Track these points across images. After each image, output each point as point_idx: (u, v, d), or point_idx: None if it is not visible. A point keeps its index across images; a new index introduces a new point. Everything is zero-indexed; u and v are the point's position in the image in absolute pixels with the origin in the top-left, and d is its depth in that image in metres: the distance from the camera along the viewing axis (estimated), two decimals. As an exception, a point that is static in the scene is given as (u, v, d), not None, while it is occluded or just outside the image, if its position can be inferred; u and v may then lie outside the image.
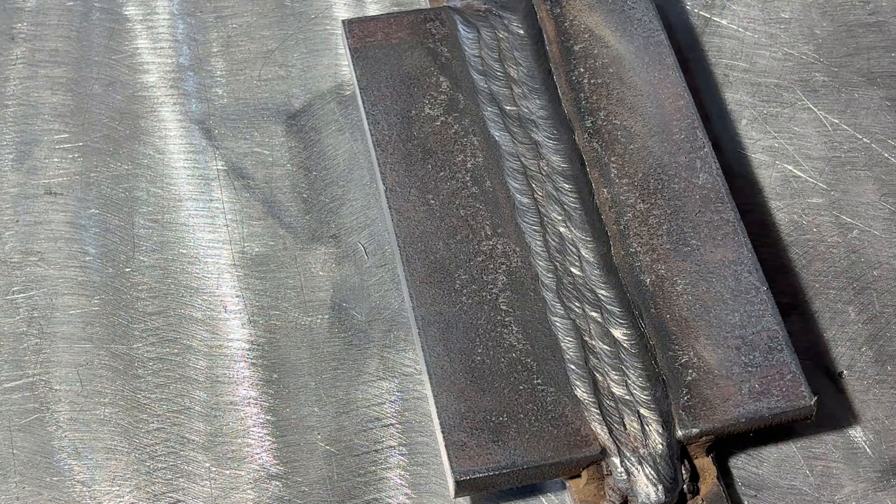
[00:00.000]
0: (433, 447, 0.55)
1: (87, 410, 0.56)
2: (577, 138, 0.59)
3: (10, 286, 0.59)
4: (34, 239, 0.61)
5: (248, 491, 0.54)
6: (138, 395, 0.56)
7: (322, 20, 0.67)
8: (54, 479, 0.54)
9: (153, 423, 0.56)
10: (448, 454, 0.51)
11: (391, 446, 0.55)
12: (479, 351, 0.54)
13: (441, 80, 0.61)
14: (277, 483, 0.54)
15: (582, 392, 0.53)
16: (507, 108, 0.60)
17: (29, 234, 0.61)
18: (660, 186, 0.58)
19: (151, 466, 0.55)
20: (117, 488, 0.54)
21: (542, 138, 0.59)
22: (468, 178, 0.59)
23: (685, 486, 0.51)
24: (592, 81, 0.61)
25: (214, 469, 0.55)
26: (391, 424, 0.55)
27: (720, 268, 0.55)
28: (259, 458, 0.55)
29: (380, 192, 0.59)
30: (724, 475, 0.54)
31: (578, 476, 0.52)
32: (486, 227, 0.57)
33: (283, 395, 0.56)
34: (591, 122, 0.60)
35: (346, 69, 0.65)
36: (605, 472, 0.52)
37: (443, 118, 0.60)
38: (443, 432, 0.52)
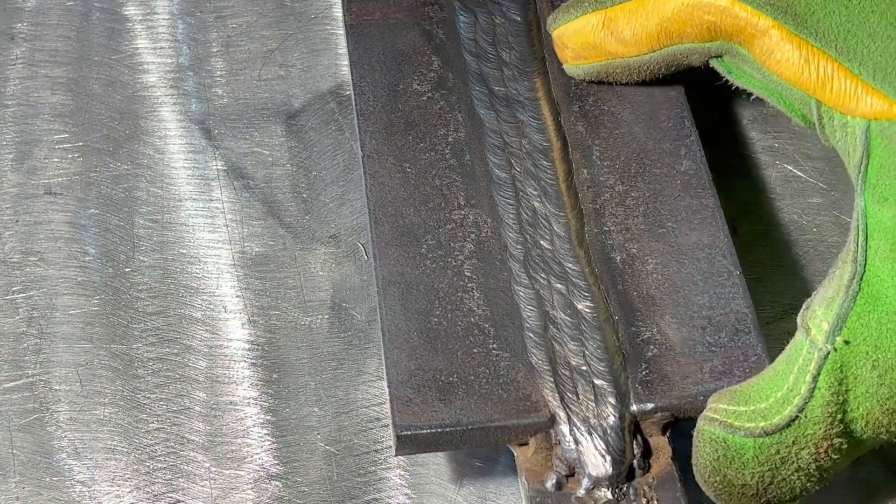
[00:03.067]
0: (433, 447, 0.55)
1: (86, 410, 0.56)
2: (562, 121, 0.59)
3: (10, 286, 0.59)
4: (34, 239, 0.61)
5: (248, 491, 0.54)
6: (138, 395, 0.56)
7: (322, 20, 0.67)
8: (54, 479, 0.54)
9: (153, 423, 0.56)
10: (392, 408, 0.51)
11: (391, 446, 0.55)
12: (437, 313, 0.53)
13: (433, 59, 0.61)
14: (277, 483, 0.54)
15: (537, 359, 0.52)
16: (496, 88, 0.60)
17: (29, 234, 0.61)
18: (641, 170, 0.57)
19: (151, 466, 0.55)
20: (117, 488, 0.54)
21: (527, 118, 0.59)
22: (447, 151, 0.58)
23: (635, 461, 0.50)
24: None
25: (214, 469, 0.55)
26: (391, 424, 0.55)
27: (694, 250, 0.55)
28: (259, 459, 0.55)
29: (358, 160, 0.59)
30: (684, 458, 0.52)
31: (527, 444, 0.51)
32: (460, 197, 0.57)
33: (283, 395, 0.56)
34: (579, 106, 0.59)
35: (346, 69, 0.66)
36: (554, 441, 0.51)
37: (429, 94, 0.60)
38: (389, 387, 0.51)
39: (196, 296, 0.59)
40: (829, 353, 0.46)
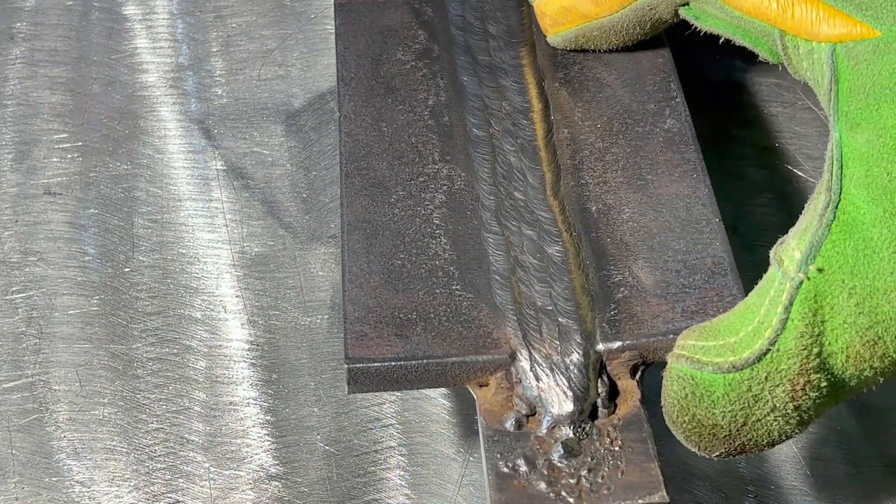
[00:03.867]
0: (433, 447, 0.55)
1: (86, 411, 0.56)
2: (546, 86, 0.58)
3: (9, 286, 0.59)
4: (33, 239, 0.61)
5: (248, 491, 0.54)
6: (137, 396, 0.56)
7: (322, 20, 0.67)
8: (53, 479, 0.54)
9: (152, 423, 0.56)
10: (345, 342, 0.49)
11: (391, 447, 0.55)
12: (402, 256, 0.52)
13: (419, 33, 0.61)
14: (277, 483, 0.54)
15: (502, 300, 0.51)
16: (481, 57, 0.60)
17: (28, 233, 0.61)
18: (623, 129, 0.56)
19: (151, 467, 0.55)
20: (116, 489, 0.54)
21: (510, 83, 0.59)
22: (426, 113, 0.58)
23: (599, 400, 0.48)
24: None
25: (214, 469, 0.55)
26: (391, 425, 0.55)
27: (673, 200, 0.53)
28: (259, 459, 0.55)
29: (336, 122, 0.58)
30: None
31: (487, 385, 0.49)
32: (435, 153, 0.56)
33: (283, 395, 0.56)
34: (564, 73, 0.59)
35: (345, 69, 0.65)
36: (515, 380, 0.49)
37: (413, 63, 0.60)
38: (345, 322, 0.50)
39: (196, 296, 0.59)
40: (802, 282, 0.44)
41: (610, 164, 0.55)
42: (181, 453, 0.55)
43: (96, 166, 0.63)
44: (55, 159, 0.63)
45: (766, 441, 0.46)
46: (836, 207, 0.45)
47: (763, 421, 0.45)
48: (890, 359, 0.44)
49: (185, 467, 0.55)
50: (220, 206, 0.61)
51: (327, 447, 0.55)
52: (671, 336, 0.48)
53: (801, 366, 0.44)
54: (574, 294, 0.51)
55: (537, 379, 0.48)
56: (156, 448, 0.55)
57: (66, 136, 0.64)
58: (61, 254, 0.60)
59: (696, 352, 0.46)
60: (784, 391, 0.45)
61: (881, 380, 0.45)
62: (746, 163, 0.62)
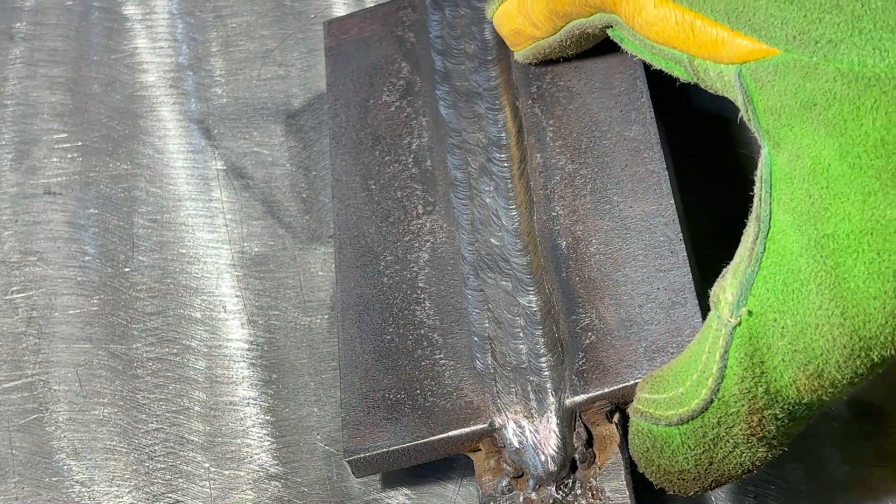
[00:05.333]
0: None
1: (85, 411, 0.56)
2: (520, 105, 0.58)
3: (9, 286, 0.59)
4: (33, 239, 0.61)
5: (248, 491, 0.54)
6: (137, 396, 0.56)
7: (322, 20, 0.67)
8: (53, 479, 0.54)
9: (152, 423, 0.56)
10: (342, 434, 0.51)
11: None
12: (391, 330, 0.53)
13: (403, 65, 0.61)
14: (277, 483, 0.54)
15: (481, 364, 0.52)
16: (458, 84, 0.60)
17: (28, 233, 0.61)
18: (591, 144, 0.56)
19: (150, 467, 0.55)
20: (116, 489, 0.54)
21: (484, 110, 0.59)
22: (410, 160, 0.58)
23: (576, 455, 0.49)
24: None
25: (214, 469, 0.55)
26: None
27: (637, 222, 0.53)
28: (258, 459, 0.55)
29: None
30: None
31: (479, 450, 0.51)
32: (419, 206, 0.57)
33: (283, 395, 0.56)
34: (537, 87, 0.58)
35: (345, 69, 0.65)
36: (500, 445, 0.50)
37: (397, 103, 0.60)
38: (342, 412, 0.51)
39: (195, 296, 0.59)
40: (735, 328, 0.44)
41: (579, 188, 0.55)
42: (181, 453, 0.55)
43: (96, 166, 0.63)
44: (55, 159, 0.63)
45: (739, 471, 0.46)
46: (766, 237, 0.44)
47: (729, 457, 0.46)
48: (842, 383, 0.43)
49: (185, 467, 0.55)
50: (220, 206, 0.61)
51: (327, 447, 0.55)
52: (632, 382, 0.49)
53: (750, 406, 0.44)
54: (546, 348, 0.51)
55: (518, 442, 0.50)
56: (156, 448, 0.55)
57: (65, 135, 0.64)
58: (61, 254, 0.60)
59: (650, 406, 0.46)
60: (741, 430, 0.45)
61: (850, 391, 0.44)
62: (747, 162, 0.62)
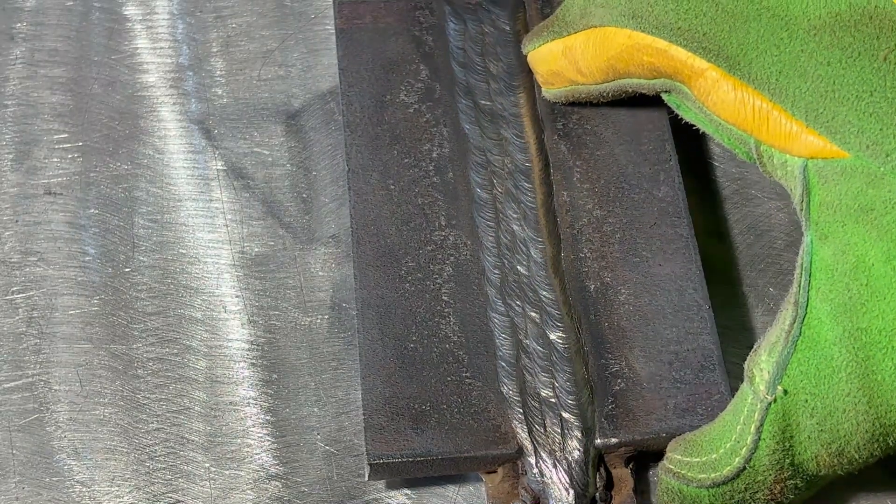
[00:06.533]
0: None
1: (86, 411, 0.56)
2: (545, 138, 0.59)
3: (10, 286, 0.59)
4: (33, 239, 0.61)
5: (248, 491, 0.54)
6: (138, 396, 0.56)
7: (322, 20, 0.67)
8: (54, 479, 0.54)
9: (153, 423, 0.56)
10: (365, 436, 0.52)
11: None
12: (414, 339, 0.54)
13: (421, 68, 0.62)
14: (277, 483, 0.54)
15: (508, 389, 0.53)
16: (482, 102, 0.60)
17: (28, 234, 0.61)
18: (620, 195, 0.58)
19: (151, 467, 0.55)
20: (117, 488, 0.54)
21: (511, 135, 0.59)
22: (431, 168, 0.59)
23: (598, 493, 0.51)
24: None
25: (214, 469, 0.55)
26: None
27: (666, 281, 0.55)
28: (259, 459, 0.55)
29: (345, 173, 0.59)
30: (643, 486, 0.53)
31: (495, 472, 0.52)
32: (441, 217, 0.57)
33: (283, 395, 0.56)
34: (563, 124, 0.60)
35: (345, 69, 0.65)
36: (521, 472, 0.52)
37: (416, 106, 0.60)
38: (364, 414, 0.52)
39: (196, 296, 0.59)
40: (770, 405, 0.47)
41: (608, 235, 0.57)
42: (181, 453, 0.55)
43: (97, 166, 0.63)
44: (55, 159, 0.63)
45: None
46: (803, 322, 0.47)
47: None
48: (858, 462, 0.48)
49: (186, 467, 0.55)
50: (221, 206, 0.61)
51: (327, 447, 0.55)
52: (664, 435, 0.52)
53: (776, 476, 0.48)
54: (576, 386, 0.53)
55: (542, 474, 0.51)
56: (156, 448, 0.55)
57: (66, 136, 0.64)
58: (61, 254, 0.60)
59: (682, 467, 0.50)
60: (763, 495, 0.49)
61: (862, 468, 0.49)
62: (747, 162, 0.62)
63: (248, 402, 0.56)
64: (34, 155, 0.63)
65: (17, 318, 0.58)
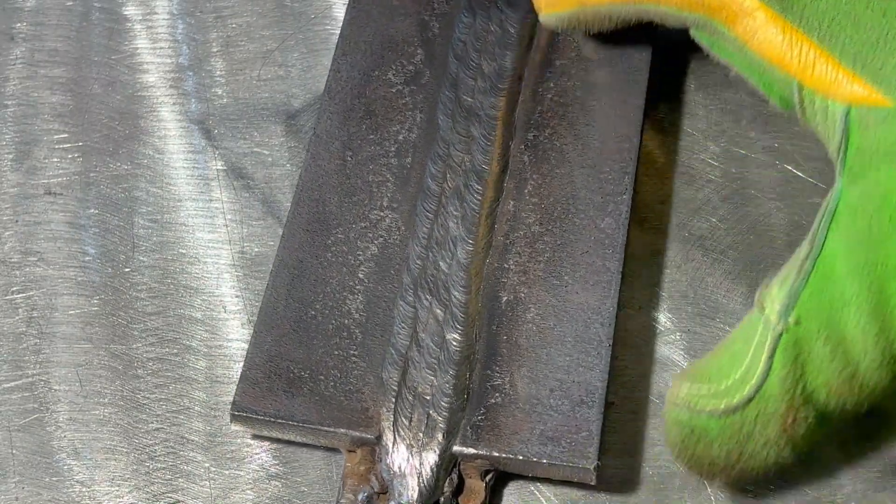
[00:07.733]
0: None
1: (86, 411, 0.56)
2: (512, 146, 0.59)
3: (10, 286, 0.59)
4: (33, 239, 0.61)
5: (248, 491, 0.54)
6: (138, 396, 0.56)
7: (322, 20, 0.67)
8: (53, 479, 0.54)
9: (152, 423, 0.56)
10: (237, 387, 0.53)
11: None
12: (317, 307, 0.55)
13: (418, 52, 0.62)
14: (277, 483, 0.54)
15: (388, 376, 0.53)
16: (464, 97, 0.60)
17: (28, 234, 0.61)
18: (563, 216, 0.57)
19: (151, 466, 0.55)
20: (117, 488, 0.54)
21: (479, 135, 0.59)
22: (393, 149, 0.59)
23: (442, 498, 0.52)
24: (555, 99, 0.60)
25: (214, 469, 0.55)
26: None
27: (577, 310, 0.55)
28: (259, 458, 0.55)
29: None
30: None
31: (355, 452, 0.53)
32: (385, 198, 0.58)
33: (283, 395, 0.56)
34: (534, 135, 0.59)
35: (345, 69, 0.65)
36: (377, 458, 0.52)
37: (399, 87, 0.61)
38: (244, 367, 0.53)
39: (196, 296, 0.59)
40: (782, 332, 0.47)
41: (538, 252, 0.56)
42: (181, 453, 0.55)
43: (96, 166, 0.63)
44: (55, 159, 0.63)
45: (762, 468, 0.50)
46: (817, 258, 0.48)
47: (757, 453, 0.49)
48: (868, 388, 0.48)
49: (185, 467, 0.55)
50: (220, 207, 0.61)
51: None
52: (520, 458, 0.51)
53: (788, 405, 0.48)
54: (453, 389, 0.53)
55: (394, 465, 0.51)
56: (156, 448, 0.55)
57: (66, 136, 0.64)
58: (61, 254, 0.60)
59: (692, 397, 0.49)
60: (774, 428, 0.48)
61: (866, 406, 0.48)
62: (747, 162, 0.62)
63: (248, 402, 0.56)
64: (34, 155, 0.63)
65: (16, 318, 0.59)
